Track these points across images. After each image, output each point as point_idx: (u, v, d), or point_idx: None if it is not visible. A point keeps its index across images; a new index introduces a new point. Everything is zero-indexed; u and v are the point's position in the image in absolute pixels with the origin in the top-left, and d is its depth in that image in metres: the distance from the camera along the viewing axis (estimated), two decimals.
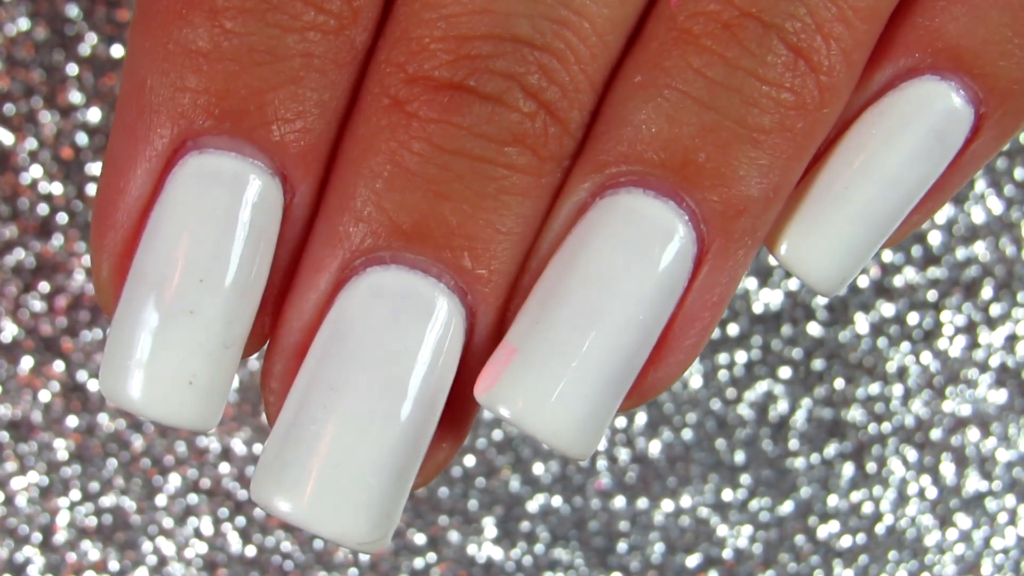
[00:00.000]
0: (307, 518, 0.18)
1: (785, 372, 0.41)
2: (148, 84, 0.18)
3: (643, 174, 0.19)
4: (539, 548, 0.41)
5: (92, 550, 0.40)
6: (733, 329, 0.40)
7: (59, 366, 0.38)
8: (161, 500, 0.40)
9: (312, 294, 0.20)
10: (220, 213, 0.19)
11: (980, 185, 0.40)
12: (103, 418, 0.39)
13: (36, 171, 0.37)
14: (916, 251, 0.40)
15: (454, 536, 0.41)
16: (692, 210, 0.19)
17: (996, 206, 0.40)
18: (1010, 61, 0.19)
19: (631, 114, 0.19)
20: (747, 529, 0.42)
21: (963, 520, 0.42)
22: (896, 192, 0.20)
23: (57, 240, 0.37)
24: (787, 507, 0.42)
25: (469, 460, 0.40)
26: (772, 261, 0.40)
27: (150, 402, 0.18)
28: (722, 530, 0.42)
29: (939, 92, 0.20)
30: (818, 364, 0.41)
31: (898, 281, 0.41)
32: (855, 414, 0.41)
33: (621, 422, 0.41)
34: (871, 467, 0.42)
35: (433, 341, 0.19)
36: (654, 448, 0.41)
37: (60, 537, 0.39)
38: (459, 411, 0.20)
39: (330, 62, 0.18)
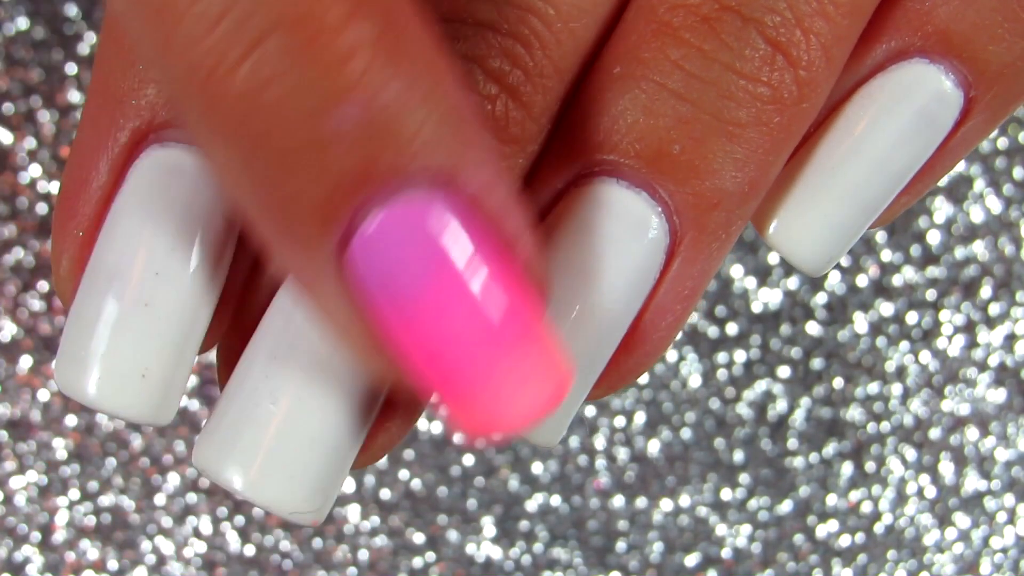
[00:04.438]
0: (243, 484, 0.18)
1: (784, 371, 0.41)
2: (113, 75, 0.19)
3: (617, 164, 0.19)
4: (538, 547, 0.41)
5: (91, 549, 0.40)
6: (732, 328, 0.40)
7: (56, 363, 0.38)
8: (160, 499, 0.40)
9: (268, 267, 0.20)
10: (180, 206, 0.19)
11: (979, 184, 0.40)
12: (102, 417, 0.39)
13: (35, 170, 0.37)
14: (915, 250, 0.40)
15: (453, 535, 0.41)
16: (666, 202, 0.19)
17: (995, 205, 0.40)
18: (1000, 45, 0.19)
19: (608, 104, 0.19)
20: (746, 528, 0.42)
21: (962, 519, 0.42)
22: (884, 174, 0.20)
23: None
24: (786, 506, 0.42)
25: (468, 459, 0.40)
26: (771, 260, 0.40)
27: (103, 395, 0.18)
28: (721, 529, 0.42)
29: (928, 75, 0.20)
30: (817, 363, 0.41)
31: (897, 280, 0.40)
32: (854, 413, 0.41)
33: (620, 421, 0.41)
34: (870, 466, 0.42)
35: None
36: (653, 447, 0.41)
37: (59, 536, 0.39)
38: (409, 393, 0.20)
39: None
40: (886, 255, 0.40)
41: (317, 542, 0.40)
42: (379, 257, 0.15)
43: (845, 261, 0.40)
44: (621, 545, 0.41)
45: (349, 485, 0.40)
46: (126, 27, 0.15)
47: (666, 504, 0.41)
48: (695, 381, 0.41)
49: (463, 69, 0.18)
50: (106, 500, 0.39)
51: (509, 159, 0.19)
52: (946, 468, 0.42)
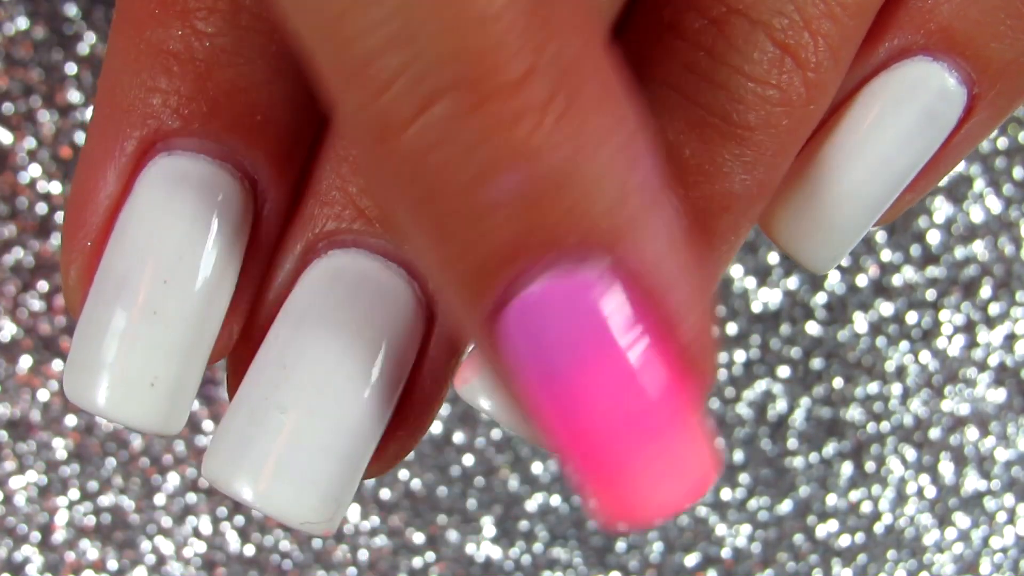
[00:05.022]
0: (254, 495, 0.18)
1: (784, 371, 0.41)
2: (120, 84, 0.18)
3: None
4: (538, 547, 0.41)
5: (91, 549, 0.40)
6: (732, 328, 0.40)
7: (58, 365, 0.38)
8: (160, 499, 0.40)
9: (278, 276, 0.20)
10: (186, 215, 0.18)
11: (979, 184, 0.40)
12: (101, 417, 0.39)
13: (35, 170, 0.37)
14: (915, 250, 0.40)
15: (453, 535, 0.41)
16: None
17: (995, 205, 0.40)
18: (1003, 43, 0.19)
19: None
20: (746, 528, 0.42)
21: (962, 519, 0.42)
22: (888, 172, 0.20)
23: (56, 239, 0.37)
24: (786, 506, 0.42)
25: (468, 459, 0.40)
26: (771, 260, 0.40)
27: (111, 404, 0.18)
28: (721, 529, 0.42)
29: (932, 73, 0.20)
30: (817, 363, 0.41)
31: (897, 280, 0.40)
32: (854, 413, 0.41)
33: None
34: (870, 466, 0.42)
35: (390, 327, 0.19)
36: None
37: (59, 536, 0.39)
38: (418, 402, 0.20)
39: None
40: (886, 255, 0.40)
41: (317, 542, 0.40)
42: (531, 329, 0.15)
43: (845, 261, 0.40)
44: (621, 545, 0.41)
45: None
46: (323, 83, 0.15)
47: None
48: None
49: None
50: (106, 500, 0.39)
51: None
52: (946, 468, 0.42)
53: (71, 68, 0.37)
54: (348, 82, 0.14)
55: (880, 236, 0.40)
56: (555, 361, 0.15)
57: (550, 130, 0.14)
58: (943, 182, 0.40)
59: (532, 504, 0.41)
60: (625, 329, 0.15)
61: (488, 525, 0.41)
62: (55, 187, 0.37)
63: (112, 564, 0.40)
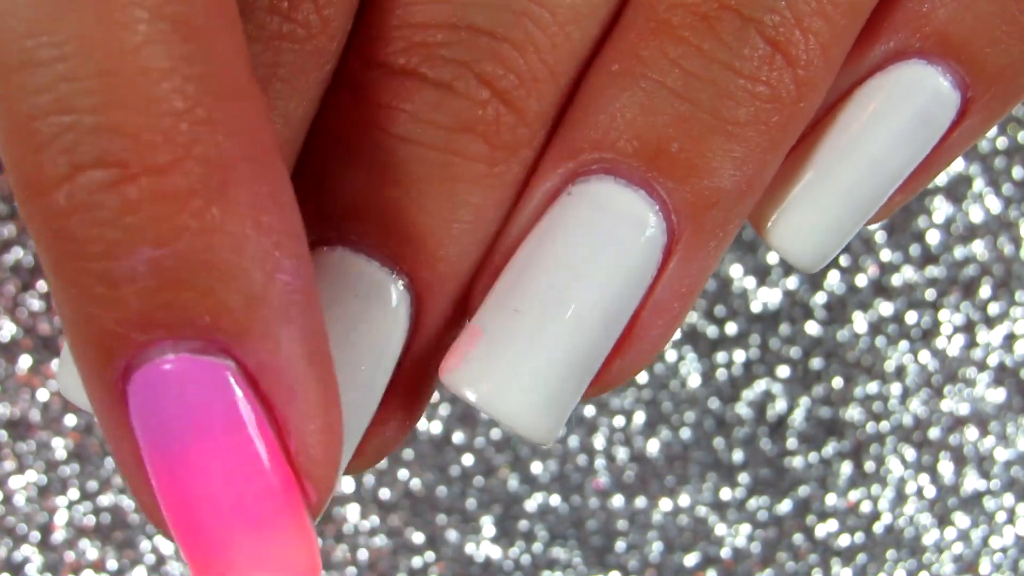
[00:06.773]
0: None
1: (783, 371, 0.41)
2: None
3: (615, 162, 0.19)
4: (537, 547, 0.41)
5: (90, 549, 0.40)
6: (731, 328, 0.40)
7: (57, 365, 0.38)
8: None
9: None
10: None
11: (978, 184, 0.40)
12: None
13: None
14: (914, 250, 0.40)
15: (452, 535, 0.41)
16: (663, 200, 0.19)
17: (994, 205, 0.40)
18: (997, 48, 0.19)
19: (606, 102, 0.19)
20: (745, 528, 0.42)
21: (961, 519, 0.42)
22: (880, 173, 0.20)
23: None
24: (785, 506, 0.42)
25: (467, 459, 0.40)
26: (770, 260, 0.40)
27: None
28: (720, 529, 0.42)
29: (926, 76, 0.20)
30: (816, 363, 0.41)
31: (896, 280, 0.40)
32: (853, 413, 0.41)
33: (619, 421, 0.41)
34: (869, 466, 0.42)
35: (379, 323, 0.19)
36: (652, 447, 0.41)
37: (58, 536, 0.40)
38: (410, 393, 0.20)
39: (297, 71, 0.18)
40: (885, 255, 0.40)
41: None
42: (150, 400, 0.15)
43: (845, 261, 0.40)
44: (620, 545, 0.42)
45: (348, 485, 0.40)
46: None
47: (665, 504, 0.41)
48: (694, 381, 0.41)
49: (453, 74, 0.18)
50: (105, 500, 0.39)
51: (499, 164, 0.19)
52: (945, 468, 0.42)
53: None
54: (11, 135, 0.15)
55: (880, 236, 0.40)
56: (168, 436, 0.15)
57: (192, 217, 0.14)
58: (943, 181, 0.40)
59: (531, 504, 0.41)
60: (235, 422, 0.15)
61: (488, 525, 0.41)
62: None
63: (112, 564, 0.40)
